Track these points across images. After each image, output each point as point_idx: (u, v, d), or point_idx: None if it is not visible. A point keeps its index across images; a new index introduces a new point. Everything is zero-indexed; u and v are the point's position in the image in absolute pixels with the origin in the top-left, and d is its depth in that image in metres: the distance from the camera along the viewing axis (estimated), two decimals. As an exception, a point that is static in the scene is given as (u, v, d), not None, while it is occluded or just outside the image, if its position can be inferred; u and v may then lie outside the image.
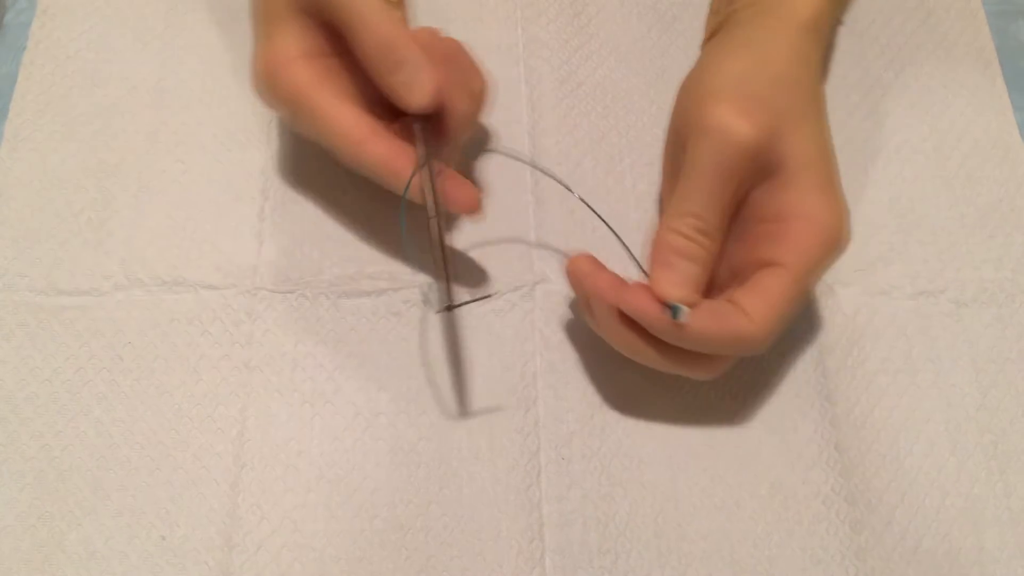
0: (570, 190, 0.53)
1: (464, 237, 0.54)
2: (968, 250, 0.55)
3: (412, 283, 0.53)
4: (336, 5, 0.46)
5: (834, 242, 0.44)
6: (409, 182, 0.45)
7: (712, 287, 0.47)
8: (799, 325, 0.53)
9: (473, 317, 0.52)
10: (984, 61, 0.61)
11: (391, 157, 0.46)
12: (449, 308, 0.44)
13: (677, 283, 0.43)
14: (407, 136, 0.48)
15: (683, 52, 0.60)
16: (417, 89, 0.45)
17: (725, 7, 0.53)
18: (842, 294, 0.54)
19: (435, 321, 0.52)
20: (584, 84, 0.59)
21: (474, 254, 0.54)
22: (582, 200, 0.51)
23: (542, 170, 0.50)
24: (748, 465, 0.50)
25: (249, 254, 0.53)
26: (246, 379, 0.51)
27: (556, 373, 0.51)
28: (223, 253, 0.53)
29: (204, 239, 0.54)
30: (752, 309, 0.43)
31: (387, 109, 0.48)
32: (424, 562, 0.47)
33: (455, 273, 0.53)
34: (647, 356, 0.46)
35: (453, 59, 0.48)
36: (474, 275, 0.53)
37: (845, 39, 0.61)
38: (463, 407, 0.50)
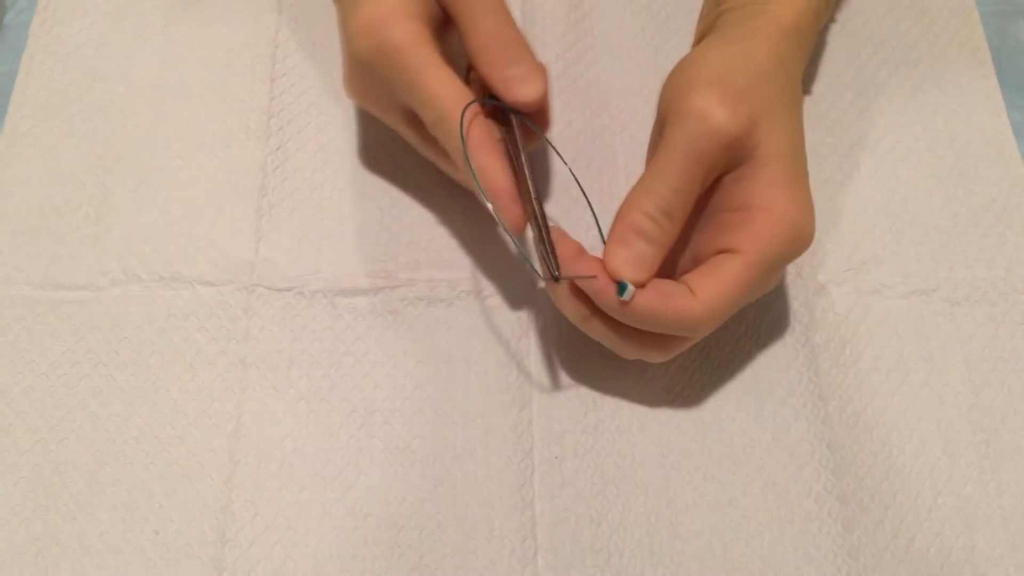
0: (561, 156, 0.52)
1: (468, 234, 0.53)
2: (961, 249, 0.54)
3: (407, 281, 0.52)
4: None
5: (795, 235, 0.43)
6: (461, 122, 0.44)
7: (675, 275, 0.46)
8: (792, 324, 0.52)
9: (470, 315, 0.51)
10: (978, 60, 0.59)
11: (475, 133, 0.45)
12: (556, 279, 0.43)
13: (629, 261, 0.43)
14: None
15: (677, 51, 0.59)
16: (531, 84, 0.45)
17: (712, 11, 0.52)
18: (835, 293, 0.52)
19: (430, 320, 0.51)
20: (578, 81, 0.58)
21: (476, 251, 0.53)
22: (571, 172, 0.51)
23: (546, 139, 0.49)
24: (741, 464, 0.49)
25: (247, 251, 0.52)
26: (242, 375, 0.49)
27: (551, 372, 0.50)
28: (220, 250, 0.52)
29: (202, 236, 0.53)
30: (700, 290, 0.42)
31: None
32: (417, 560, 0.46)
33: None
34: (597, 330, 0.45)
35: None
36: (474, 271, 0.52)
37: (839, 38, 0.60)
38: (458, 405, 0.49)
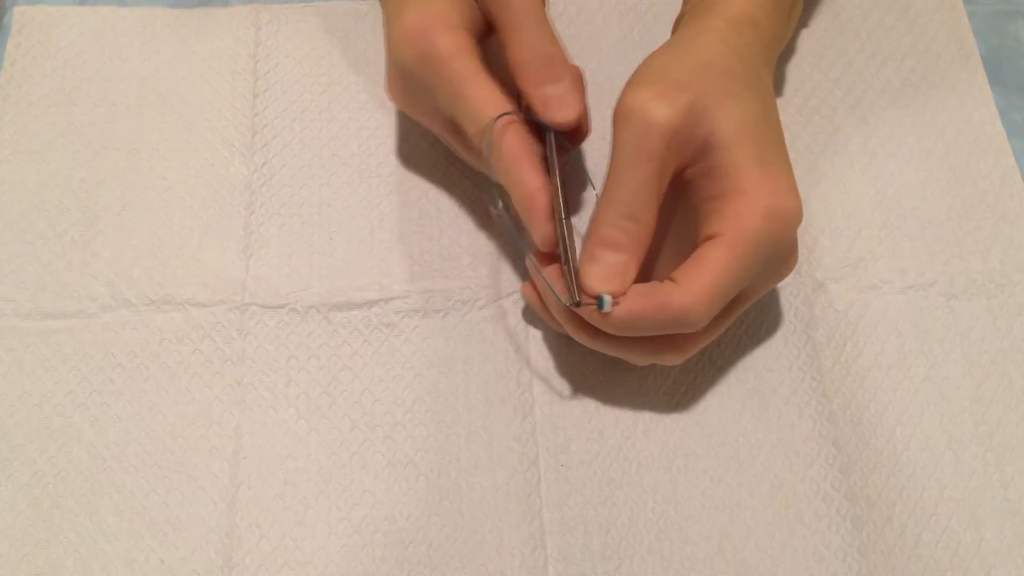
0: (591, 180, 0.52)
1: (459, 243, 0.54)
2: (956, 242, 0.55)
3: (403, 293, 0.53)
4: (503, 4, 0.47)
5: (773, 211, 0.43)
6: (491, 131, 0.45)
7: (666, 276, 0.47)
8: (793, 322, 0.53)
9: (467, 324, 0.52)
10: (964, 53, 0.61)
11: (515, 146, 0.46)
12: (578, 304, 0.44)
13: (600, 277, 0.44)
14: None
15: (665, 52, 0.60)
16: (568, 106, 0.46)
17: (679, 16, 0.54)
18: (833, 290, 0.54)
19: (427, 332, 0.52)
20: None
21: (469, 260, 0.54)
22: (596, 195, 0.51)
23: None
24: (747, 465, 0.50)
25: (237, 270, 0.53)
26: (240, 397, 0.50)
27: (552, 378, 0.51)
28: (210, 269, 0.53)
29: (191, 256, 0.53)
30: (685, 280, 0.43)
31: None
32: (428, 575, 0.47)
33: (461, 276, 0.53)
34: (605, 347, 0.47)
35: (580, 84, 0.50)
36: (468, 280, 0.53)
37: (827, 34, 0.61)
38: (460, 416, 0.50)
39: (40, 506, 0.48)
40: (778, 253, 0.46)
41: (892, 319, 0.53)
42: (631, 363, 0.50)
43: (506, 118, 0.45)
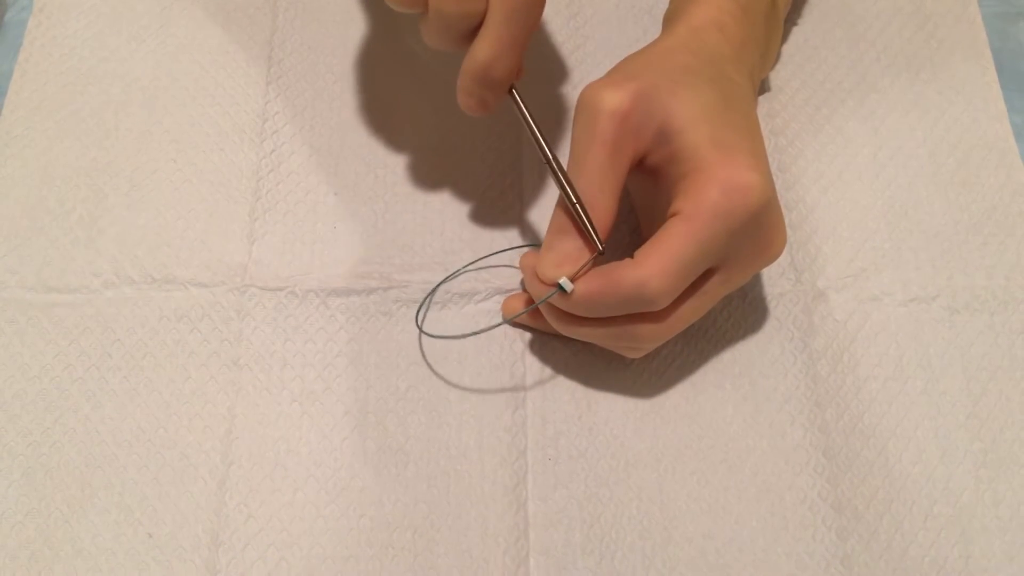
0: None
1: (461, 237, 0.56)
2: (961, 256, 0.56)
3: (402, 283, 0.54)
4: None
5: (729, 186, 0.44)
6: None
7: None
8: (791, 329, 0.54)
9: (464, 317, 0.54)
10: (981, 67, 0.62)
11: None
12: (602, 253, 0.46)
13: (553, 263, 0.46)
14: None
15: (678, 56, 0.61)
16: None
17: None
18: (834, 299, 0.55)
19: (425, 321, 0.54)
20: (580, 86, 0.61)
21: (470, 255, 0.56)
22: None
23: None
24: (736, 469, 0.51)
25: (240, 253, 0.55)
26: (235, 377, 0.52)
27: (545, 373, 0.53)
28: (213, 252, 0.55)
29: (195, 238, 0.55)
30: (643, 256, 0.44)
31: None
32: (411, 560, 0.48)
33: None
34: (579, 332, 0.49)
35: None
36: (466, 277, 0.55)
37: (841, 44, 0.63)
38: (452, 406, 0.52)
39: (33, 476, 0.50)
40: (746, 230, 0.45)
41: (892, 331, 0.54)
42: (624, 360, 0.52)
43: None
